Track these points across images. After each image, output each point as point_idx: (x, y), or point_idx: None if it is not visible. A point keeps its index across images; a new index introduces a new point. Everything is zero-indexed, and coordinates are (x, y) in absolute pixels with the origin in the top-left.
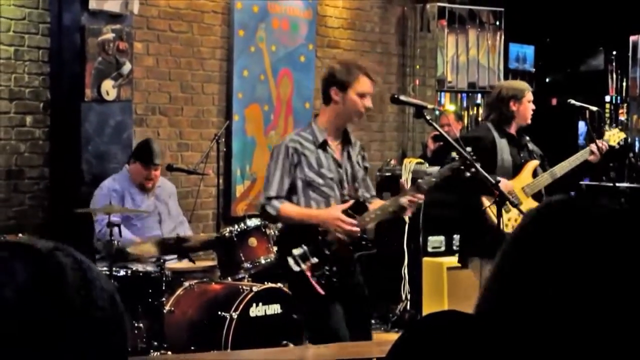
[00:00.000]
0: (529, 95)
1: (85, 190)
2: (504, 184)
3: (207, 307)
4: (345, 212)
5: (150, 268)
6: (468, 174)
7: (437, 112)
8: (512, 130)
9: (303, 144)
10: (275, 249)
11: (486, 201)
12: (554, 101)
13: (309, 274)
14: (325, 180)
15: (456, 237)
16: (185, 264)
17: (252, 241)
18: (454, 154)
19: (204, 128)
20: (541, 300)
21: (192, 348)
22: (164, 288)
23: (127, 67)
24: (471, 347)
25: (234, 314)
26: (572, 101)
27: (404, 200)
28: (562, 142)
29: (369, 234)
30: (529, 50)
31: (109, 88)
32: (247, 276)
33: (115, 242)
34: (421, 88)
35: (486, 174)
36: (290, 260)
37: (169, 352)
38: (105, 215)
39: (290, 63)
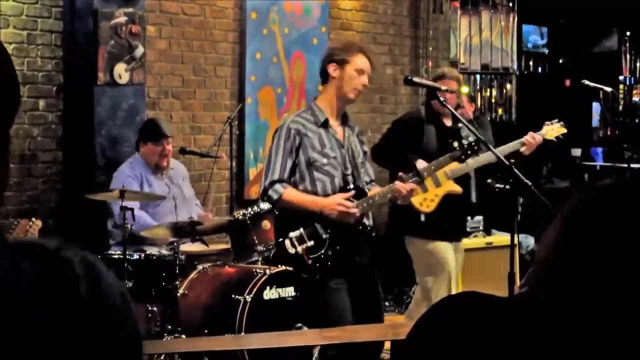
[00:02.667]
0: (449, 83)
1: (98, 174)
2: (422, 164)
3: (220, 290)
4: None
5: (164, 252)
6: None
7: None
8: (444, 117)
9: (305, 125)
10: None
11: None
12: (568, 82)
13: (305, 256)
14: (329, 159)
15: (469, 218)
16: (198, 247)
17: (266, 224)
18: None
19: (217, 111)
20: (602, 281)
21: (206, 331)
22: (177, 272)
23: (139, 51)
24: (503, 329)
25: (247, 297)
26: (587, 82)
27: (399, 187)
28: (576, 123)
29: (378, 218)
30: (543, 32)
31: (121, 71)
32: (260, 259)
33: (129, 226)
34: (434, 70)
35: (500, 155)
36: (287, 243)
37: (183, 336)
38: (119, 200)
39: (302, 45)
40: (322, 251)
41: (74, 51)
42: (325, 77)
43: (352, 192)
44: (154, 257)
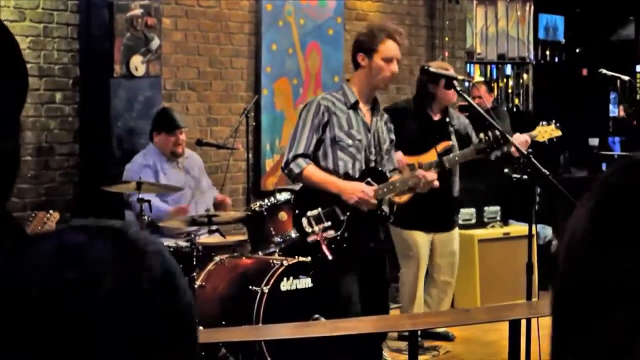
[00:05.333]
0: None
1: (115, 166)
2: (399, 157)
3: (238, 281)
4: (366, 181)
5: (181, 243)
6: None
7: (466, 84)
8: (434, 110)
9: (335, 103)
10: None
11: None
12: (585, 72)
13: (320, 236)
14: (354, 141)
15: (487, 209)
16: (216, 238)
17: (282, 215)
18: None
19: (233, 102)
20: None
21: (223, 323)
22: (195, 263)
23: (155, 43)
24: None
25: (264, 288)
26: (604, 71)
27: (421, 175)
28: (593, 112)
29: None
30: (559, 21)
31: (137, 64)
32: (277, 250)
33: (146, 217)
34: (450, 60)
35: (518, 146)
36: (304, 221)
37: (200, 327)
38: (135, 191)
39: (318, 36)
40: (339, 233)
41: (90, 44)
42: (356, 65)
43: (375, 187)
44: (171, 249)
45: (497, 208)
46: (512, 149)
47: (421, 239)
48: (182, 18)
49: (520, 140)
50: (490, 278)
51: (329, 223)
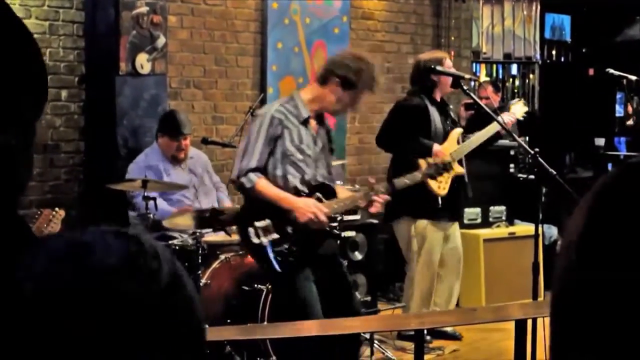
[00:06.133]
0: (448, 63)
1: (120, 164)
2: (440, 150)
3: (242, 280)
4: (315, 196)
5: (186, 238)
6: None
7: (472, 83)
8: (437, 98)
9: (288, 116)
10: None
11: (423, 163)
12: (591, 71)
13: (268, 248)
14: (304, 156)
15: (492, 208)
16: (221, 236)
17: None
18: (430, 160)
19: (239, 101)
20: None
21: (228, 321)
22: (200, 261)
23: (161, 41)
24: None
25: (269, 286)
26: (611, 70)
27: (365, 197)
28: (600, 112)
29: (363, 216)
30: (565, 20)
31: (143, 62)
32: None
33: (151, 215)
34: (456, 59)
35: (524, 145)
36: (251, 231)
37: (206, 325)
38: (140, 190)
39: (324, 35)
40: (286, 245)
41: (96, 41)
42: (324, 82)
43: (325, 206)
44: (177, 247)
45: (503, 208)
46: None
47: (434, 230)
48: (188, 16)
49: (512, 121)
50: (496, 278)
51: (277, 235)
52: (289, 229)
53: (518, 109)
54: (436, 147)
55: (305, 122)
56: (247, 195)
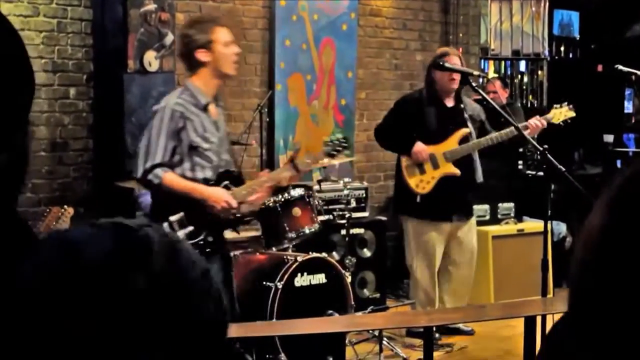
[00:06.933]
0: (453, 59)
1: (128, 162)
2: (419, 147)
3: (251, 277)
4: (224, 184)
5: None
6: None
7: (481, 79)
8: (446, 97)
9: (188, 107)
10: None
11: (404, 160)
12: (600, 68)
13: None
14: (210, 144)
15: (501, 205)
16: (229, 234)
17: (296, 211)
18: (403, 160)
19: (247, 98)
20: None
21: None
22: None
23: (169, 38)
24: None
25: (278, 284)
26: (620, 67)
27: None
28: (609, 108)
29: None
30: (574, 17)
31: (151, 59)
32: (291, 246)
33: None
34: (464, 56)
35: (534, 143)
36: (166, 226)
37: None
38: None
39: (332, 32)
40: (202, 237)
41: (104, 39)
42: (195, 65)
43: (233, 193)
44: None
45: (511, 204)
46: (526, 132)
47: (437, 231)
48: (196, 13)
49: (542, 123)
50: (504, 275)
51: (192, 227)
52: (203, 221)
53: (558, 114)
54: (418, 145)
55: (205, 109)
56: (155, 191)
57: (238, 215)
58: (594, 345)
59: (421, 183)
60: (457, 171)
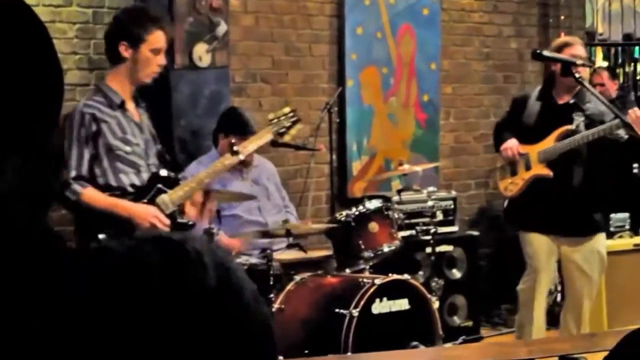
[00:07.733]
0: (575, 50)
1: (177, 171)
2: (509, 144)
3: (322, 304)
4: (157, 188)
5: (255, 260)
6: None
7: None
8: (561, 93)
9: (101, 109)
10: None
11: (498, 162)
12: None
13: None
14: (132, 147)
15: (613, 216)
16: (295, 254)
17: (373, 226)
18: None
19: (313, 96)
20: None
21: (306, 352)
22: (271, 283)
23: (222, 28)
24: None
25: (354, 311)
26: None
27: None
28: None
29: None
30: None
31: (202, 53)
32: (368, 267)
33: (216, 230)
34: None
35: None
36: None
37: (280, 357)
38: None
39: (411, 17)
40: None
41: None
42: (115, 57)
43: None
44: (244, 267)
45: (626, 215)
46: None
47: (542, 244)
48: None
49: (634, 117)
50: (619, 297)
51: None
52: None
53: None
54: (509, 142)
55: (122, 108)
56: (74, 209)
57: (179, 220)
58: None
59: (510, 185)
60: (549, 172)
